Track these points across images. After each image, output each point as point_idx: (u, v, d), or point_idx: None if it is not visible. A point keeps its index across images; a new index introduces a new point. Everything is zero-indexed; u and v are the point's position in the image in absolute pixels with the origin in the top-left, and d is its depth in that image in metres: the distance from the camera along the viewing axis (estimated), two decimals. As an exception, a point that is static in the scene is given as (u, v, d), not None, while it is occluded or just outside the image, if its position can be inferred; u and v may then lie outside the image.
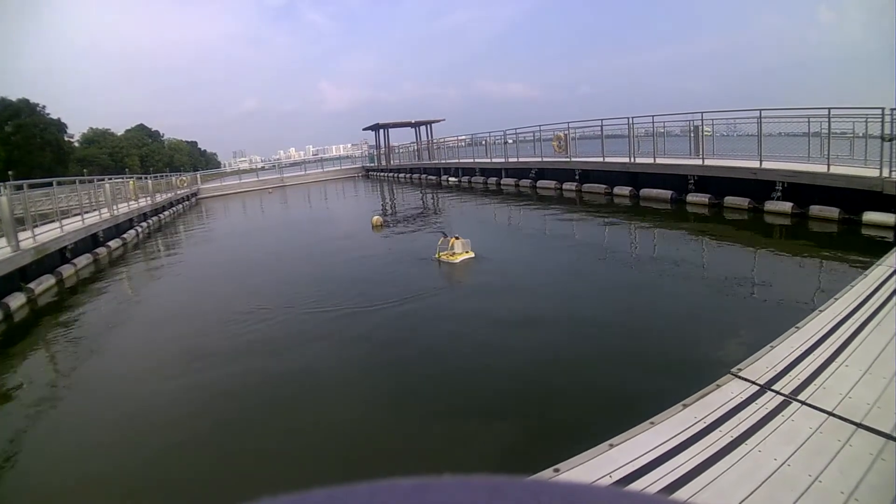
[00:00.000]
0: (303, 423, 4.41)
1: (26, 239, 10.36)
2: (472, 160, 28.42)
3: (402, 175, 36.85)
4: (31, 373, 6.42)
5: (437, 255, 9.47)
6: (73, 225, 13.30)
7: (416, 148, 39.95)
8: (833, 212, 10.13)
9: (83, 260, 12.67)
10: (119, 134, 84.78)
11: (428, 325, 6.41)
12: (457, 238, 9.42)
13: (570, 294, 7.38)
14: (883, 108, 9.99)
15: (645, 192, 15.18)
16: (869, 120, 11.30)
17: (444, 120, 40.21)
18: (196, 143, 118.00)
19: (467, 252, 9.35)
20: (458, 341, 5.82)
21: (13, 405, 5.40)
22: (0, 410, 5.30)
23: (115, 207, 17.53)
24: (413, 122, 39.63)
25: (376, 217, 13.93)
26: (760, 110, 12.54)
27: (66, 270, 11.50)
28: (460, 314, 6.70)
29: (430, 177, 31.86)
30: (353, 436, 4.17)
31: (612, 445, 2.77)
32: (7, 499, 3.91)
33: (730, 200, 12.44)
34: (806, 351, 3.62)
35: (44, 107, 62.90)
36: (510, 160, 23.84)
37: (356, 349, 5.86)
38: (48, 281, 10.49)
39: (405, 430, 4.19)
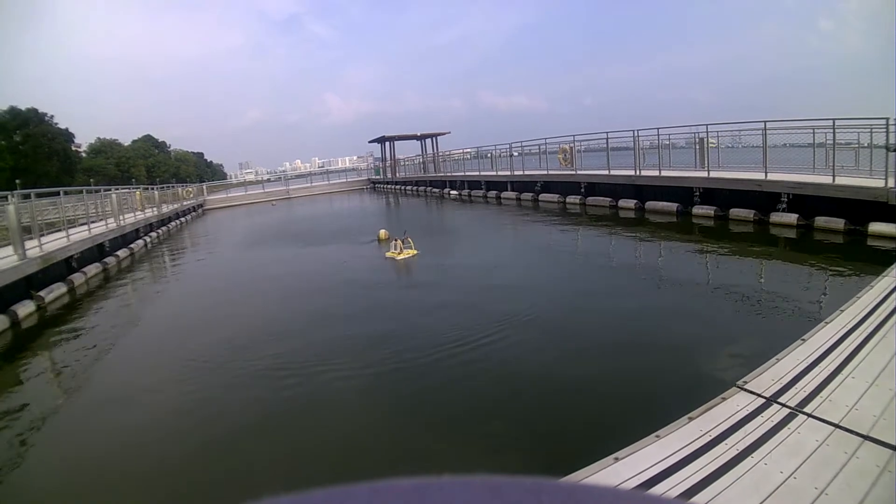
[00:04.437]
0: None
1: (33, 248, 10.39)
2: (477, 173, 28.47)
3: (408, 188, 36.90)
4: (31, 377, 6.43)
5: (387, 253, 11.43)
6: (79, 234, 13.36)
7: (421, 160, 40.04)
8: (839, 223, 10.10)
9: (92, 269, 12.73)
10: (126, 144, 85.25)
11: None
12: (397, 240, 11.51)
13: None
14: (888, 119, 10.00)
15: (650, 204, 15.17)
16: (874, 130, 11.29)
17: (449, 133, 40.42)
18: (202, 154, 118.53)
19: (411, 251, 11.19)
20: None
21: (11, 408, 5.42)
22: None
23: (121, 218, 17.60)
24: (419, 134, 39.79)
25: (383, 231, 14.01)
26: (765, 122, 12.57)
27: (77, 279, 11.58)
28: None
29: (435, 189, 31.97)
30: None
31: (617, 459, 2.75)
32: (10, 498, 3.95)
33: (735, 212, 12.42)
34: (811, 363, 3.60)
35: (52, 116, 63.51)
36: (515, 173, 23.86)
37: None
38: (59, 289, 10.57)
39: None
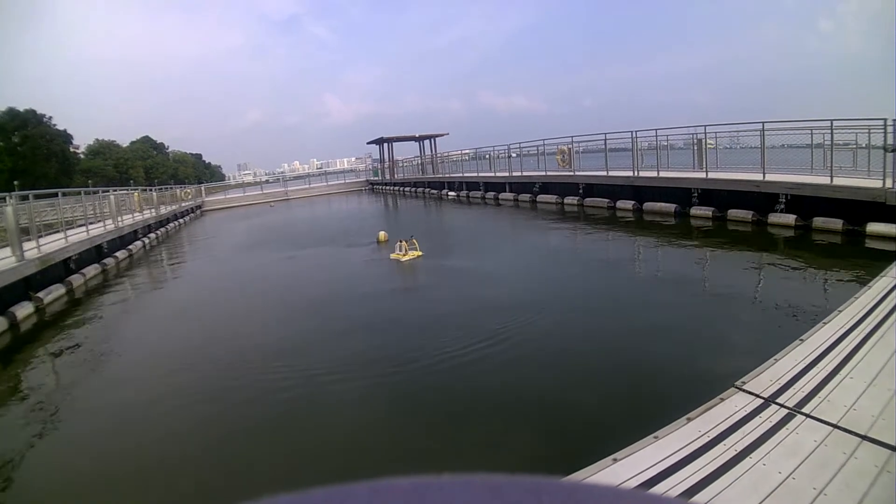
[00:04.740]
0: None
1: (31, 249, 10.39)
2: (475, 174, 28.49)
3: (406, 189, 36.92)
4: (29, 378, 6.43)
5: (392, 255, 11.38)
6: (77, 236, 13.34)
7: (419, 162, 40.05)
8: (837, 223, 10.12)
9: (91, 270, 12.75)
10: (124, 146, 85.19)
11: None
12: (402, 241, 11.42)
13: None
14: (885, 119, 10.02)
15: (648, 205, 15.18)
16: (872, 131, 11.31)
17: (447, 134, 40.41)
18: (200, 155, 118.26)
19: (416, 252, 11.22)
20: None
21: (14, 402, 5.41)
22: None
23: (119, 219, 17.58)
24: (417, 136, 39.75)
25: (382, 233, 14.02)
26: (763, 123, 12.58)
27: (76, 281, 11.60)
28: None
29: (433, 190, 32.00)
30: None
31: (615, 460, 2.75)
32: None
33: (733, 213, 12.44)
34: (810, 363, 3.60)
35: (50, 118, 63.50)
36: (514, 174, 23.89)
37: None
38: (58, 291, 10.58)
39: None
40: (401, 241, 11.47)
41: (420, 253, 11.20)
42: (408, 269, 10.43)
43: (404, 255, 11.11)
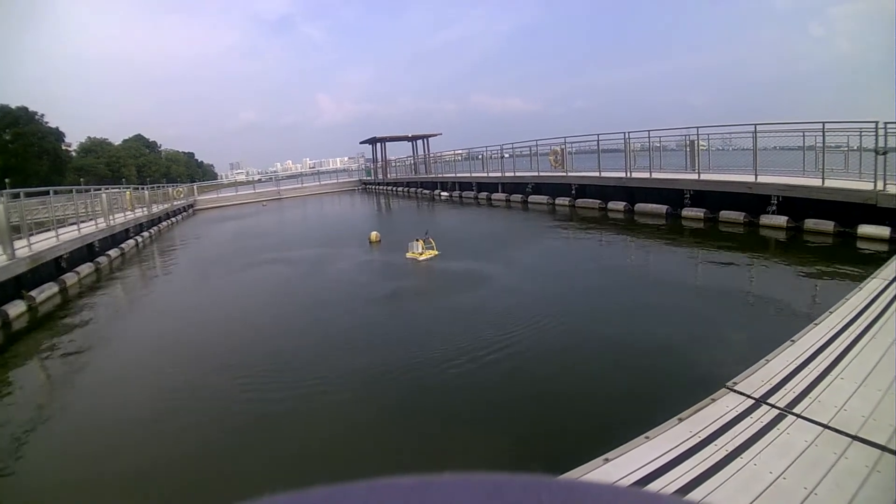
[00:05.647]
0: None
1: (22, 248, 10.31)
2: (468, 174, 28.41)
3: (399, 188, 36.80)
4: (21, 377, 6.39)
5: (408, 254, 11.14)
6: (68, 234, 13.24)
7: (412, 162, 39.94)
8: (828, 225, 10.19)
9: (85, 269, 12.66)
10: (116, 144, 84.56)
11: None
12: (419, 240, 11.23)
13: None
14: (876, 122, 10.11)
15: (640, 206, 15.21)
16: (863, 133, 11.38)
17: (440, 134, 40.26)
18: (193, 154, 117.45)
19: (432, 251, 11.02)
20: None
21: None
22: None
23: (111, 218, 17.45)
24: (410, 135, 39.60)
25: (374, 233, 13.99)
26: (755, 125, 12.64)
27: (70, 279, 11.53)
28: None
29: (425, 190, 31.91)
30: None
31: (607, 460, 2.76)
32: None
33: (725, 214, 12.48)
34: (801, 364, 3.63)
35: (42, 115, 62.90)
36: (506, 174, 23.85)
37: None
38: (51, 289, 10.51)
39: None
40: (417, 240, 11.21)
41: (436, 252, 10.98)
42: (431, 270, 10.11)
43: (421, 254, 10.86)
